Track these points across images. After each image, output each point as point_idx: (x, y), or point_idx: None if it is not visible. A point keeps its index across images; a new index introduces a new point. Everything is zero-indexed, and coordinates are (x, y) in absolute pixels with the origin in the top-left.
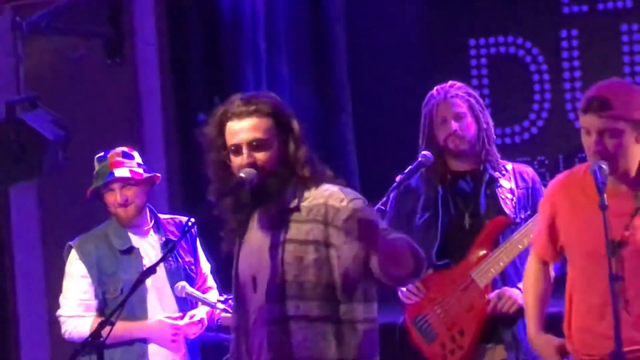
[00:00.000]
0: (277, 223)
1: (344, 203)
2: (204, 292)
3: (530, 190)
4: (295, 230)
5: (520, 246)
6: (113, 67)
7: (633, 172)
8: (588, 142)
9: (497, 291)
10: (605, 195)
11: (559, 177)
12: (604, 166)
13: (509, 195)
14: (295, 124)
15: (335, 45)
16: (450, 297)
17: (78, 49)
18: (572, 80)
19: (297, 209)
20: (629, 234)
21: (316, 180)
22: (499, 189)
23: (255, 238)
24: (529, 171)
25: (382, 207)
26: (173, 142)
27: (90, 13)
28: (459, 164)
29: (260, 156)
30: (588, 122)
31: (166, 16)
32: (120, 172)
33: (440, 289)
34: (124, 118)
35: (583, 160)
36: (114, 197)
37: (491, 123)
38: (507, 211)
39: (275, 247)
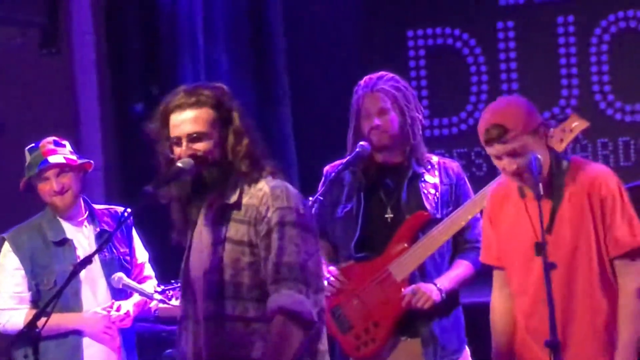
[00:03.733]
0: (218, 219)
1: (269, 213)
2: (140, 282)
3: (453, 187)
4: (234, 229)
5: (439, 242)
6: (49, 57)
7: (546, 174)
8: (502, 165)
9: (412, 286)
10: (540, 186)
11: (494, 188)
12: (539, 156)
13: (432, 191)
14: (237, 117)
15: (273, 37)
16: (367, 289)
17: (14, 38)
18: (508, 71)
19: (238, 206)
20: (551, 237)
21: (254, 177)
22: (423, 184)
23: (201, 233)
24: (454, 167)
25: (320, 198)
26: (110, 133)
27: (26, 2)
28: (384, 157)
29: (199, 147)
30: (495, 151)
31: (103, 6)
32: (55, 159)
33: (359, 280)
34: (60, 109)
35: None
36: (49, 186)
37: (419, 117)
38: (428, 207)
39: (215, 244)
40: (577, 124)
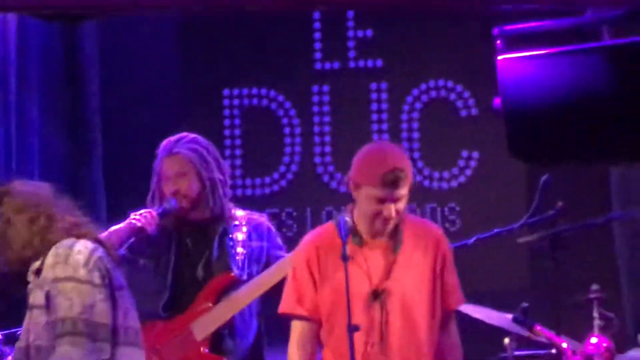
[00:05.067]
0: (28, 287)
1: (48, 273)
2: None
3: (266, 248)
4: (34, 296)
5: (242, 304)
6: None
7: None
8: (376, 207)
9: None
10: (348, 247)
11: (315, 237)
12: (347, 219)
13: (240, 250)
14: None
15: (89, 88)
16: (167, 345)
17: None
18: (322, 134)
19: (36, 273)
20: (390, 283)
21: (45, 249)
22: (231, 242)
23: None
24: (262, 221)
25: (126, 252)
26: None
27: None
28: (192, 215)
29: None
30: (383, 194)
31: None
32: None
33: (160, 337)
34: None
35: (330, 213)
36: None
37: (219, 177)
38: (234, 267)
39: (28, 312)
40: None
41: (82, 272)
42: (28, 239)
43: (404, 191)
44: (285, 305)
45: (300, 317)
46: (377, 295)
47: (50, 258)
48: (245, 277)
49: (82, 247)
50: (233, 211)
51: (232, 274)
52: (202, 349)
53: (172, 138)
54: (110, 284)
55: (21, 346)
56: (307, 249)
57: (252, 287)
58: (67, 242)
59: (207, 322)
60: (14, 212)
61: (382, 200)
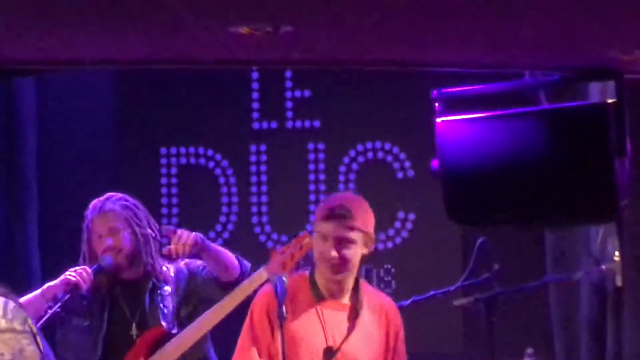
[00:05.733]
0: None
1: None
2: None
3: (188, 279)
4: None
5: (172, 357)
6: None
7: (351, 286)
8: (322, 247)
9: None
10: (284, 307)
11: (268, 291)
12: (284, 279)
13: (170, 304)
14: None
15: (25, 145)
16: None
17: None
18: (259, 194)
19: None
20: (346, 347)
21: None
22: (160, 297)
23: None
24: (185, 262)
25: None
26: None
27: None
28: (124, 274)
29: None
30: (327, 229)
31: None
32: None
33: None
34: None
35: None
36: None
37: (151, 233)
38: (163, 322)
39: None
40: (307, 241)
41: (1, 323)
42: None
43: (350, 234)
44: (241, 349)
45: None
46: (331, 354)
47: None
48: (174, 331)
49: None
50: (164, 267)
51: (162, 328)
52: None
53: (101, 198)
54: (31, 330)
55: None
56: (266, 298)
57: (180, 343)
58: None
59: None
60: None
61: (325, 237)
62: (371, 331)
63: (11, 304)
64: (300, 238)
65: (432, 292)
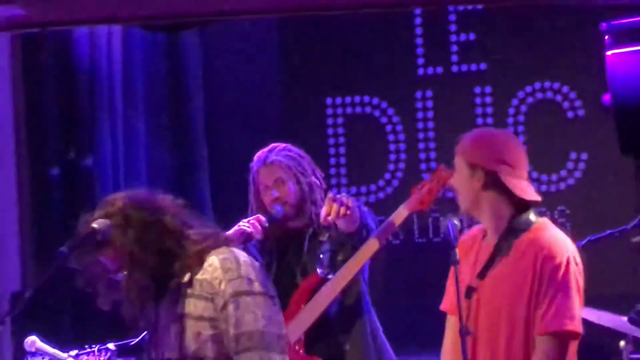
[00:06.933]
0: (174, 297)
1: (222, 286)
2: None
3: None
4: (192, 305)
5: (325, 302)
6: None
7: (506, 223)
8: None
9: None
10: (457, 250)
11: (465, 234)
12: (456, 222)
13: (327, 250)
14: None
15: (192, 103)
16: None
17: None
18: (426, 140)
19: (191, 283)
20: (485, 283)
21: (202, 255)
22: (318, 244)
23: (161, 311)
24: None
25: None
26: (26, 197)
27: None
28: (291, 222)
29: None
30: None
31: (21, 69)
32: None
33: None
34: None
35: (437, 220)
36: None
37: (316, 182)
38: (318, 269)
39: (174, 322)
40: (443, 174)
41: (259, 284)
42: (167, 249)
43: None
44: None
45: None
46: (470, 292)
47: (217, 270)
48: (330, 275)
49: (245, 258)
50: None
51: (316, 275)
52: (298, 348)
53: (265, 149)
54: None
55: (171, 358)
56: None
57: (330, 288)
58: (226, 252)
59: (295, 325)
60: (141, 225)
61: None
62: (521, 269)
63: (257, 265)
64: (437, 172)
65: (608, 231)
